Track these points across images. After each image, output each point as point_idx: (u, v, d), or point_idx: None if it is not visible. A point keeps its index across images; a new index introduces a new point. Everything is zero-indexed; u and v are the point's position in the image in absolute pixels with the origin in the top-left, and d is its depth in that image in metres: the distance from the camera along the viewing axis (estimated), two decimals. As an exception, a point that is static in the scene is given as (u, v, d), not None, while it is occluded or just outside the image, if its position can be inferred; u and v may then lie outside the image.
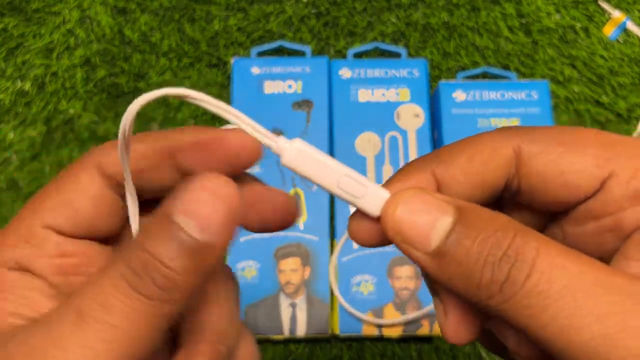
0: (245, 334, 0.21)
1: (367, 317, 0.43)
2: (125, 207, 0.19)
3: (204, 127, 0.19)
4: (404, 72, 0.49)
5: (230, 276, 0.22)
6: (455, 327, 0.18)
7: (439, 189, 0.18)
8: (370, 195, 0.17)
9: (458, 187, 0.18)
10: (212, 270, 0.17)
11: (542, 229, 0.20)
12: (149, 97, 0.16)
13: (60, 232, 0.19)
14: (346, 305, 0.43)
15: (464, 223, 0.16)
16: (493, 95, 0.48)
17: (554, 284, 0.14)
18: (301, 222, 0.45)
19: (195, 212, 0.16)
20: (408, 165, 0.19)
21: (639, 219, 0.16)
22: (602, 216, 0.17)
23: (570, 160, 0.17)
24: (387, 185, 0.18)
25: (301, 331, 0.43)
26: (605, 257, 0.17)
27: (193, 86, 0.52)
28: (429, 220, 0.16)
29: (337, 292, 0.43)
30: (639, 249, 0.16)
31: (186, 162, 0.19)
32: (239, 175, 0.20)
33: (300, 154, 0.17)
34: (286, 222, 0.20)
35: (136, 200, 0.19)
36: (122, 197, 0.19)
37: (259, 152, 0.19)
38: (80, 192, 0.19)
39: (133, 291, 0.16)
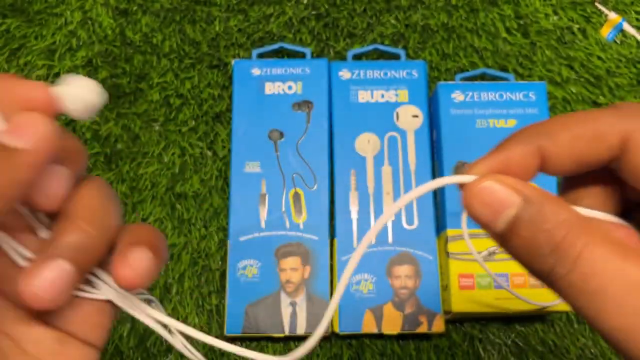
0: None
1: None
2: None
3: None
4: (403, 74, 0.50)
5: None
6: None
7: (543, 163, 0.20)
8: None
9: (559, 162, 0.20)
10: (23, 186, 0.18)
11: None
12: None
13: None
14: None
15: (525, 216, 0.18)
16: (491, 96, 0.48)
17: (588, 283, 0.17)
18: (301, 222, 0.46)
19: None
20: (517, 135, 0.20)
21: None
22: None
23: None
24: (495, 151, 0.20)
25: (301, 329, 0.43)
26: None
27: (194, 87, 0.52)
28: (497, 208, 0.19)
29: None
30: None
31: None
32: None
33: None
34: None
35: None
36: None
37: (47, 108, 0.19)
38: None
39: None
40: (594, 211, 0.21)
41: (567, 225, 0.18)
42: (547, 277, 0.18)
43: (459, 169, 0.46)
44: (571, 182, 0.22)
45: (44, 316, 0.21)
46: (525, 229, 0.18)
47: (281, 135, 0.48)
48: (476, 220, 0.20)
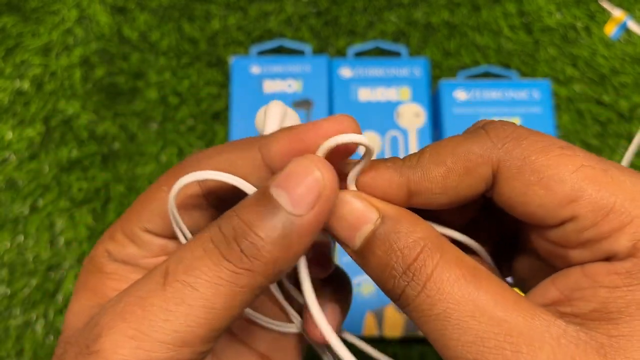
0: None
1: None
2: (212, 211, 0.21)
3: (294, 128, 0.19)
4: (404, 71, 0.49)
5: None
6: None
7: (411, 196, 0.18)
8: None
9: (432, 198, 0.18)
10: (299, 254, 0.17)
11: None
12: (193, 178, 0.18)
13: (160, 235, 0.21)
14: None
15: (381, 233, 0.17)
16: (494, 94, 0.48)
17: (435, 307, 0.16)
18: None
19: (289, 186, 0.16)
20: (385, 162, 0.19)
21: (583, 259, 0.17)
22: (556, 243, 0.18)
23: (538, 195, 0.17)
24: (360, 176, 0.19)
25: (301, 332, 0.42)
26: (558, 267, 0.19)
27: (192, 86, 0.52)
28: (354, 224, 0.18)
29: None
30: (565, 283, 0.17)
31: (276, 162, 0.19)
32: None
33: None
34: None
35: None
36: (209, 200, 0.21)
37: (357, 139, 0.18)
38: (179, 204, 0.20)
39: (220, 256, 0.16)
40: (449, 230, 0.20)
41: (421, 243, 0.17)
42: (398, 300, 0.17)
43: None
44: None
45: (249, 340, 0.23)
46: (380, 247, 0.17)
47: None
48: (333, 236, 0.18)
